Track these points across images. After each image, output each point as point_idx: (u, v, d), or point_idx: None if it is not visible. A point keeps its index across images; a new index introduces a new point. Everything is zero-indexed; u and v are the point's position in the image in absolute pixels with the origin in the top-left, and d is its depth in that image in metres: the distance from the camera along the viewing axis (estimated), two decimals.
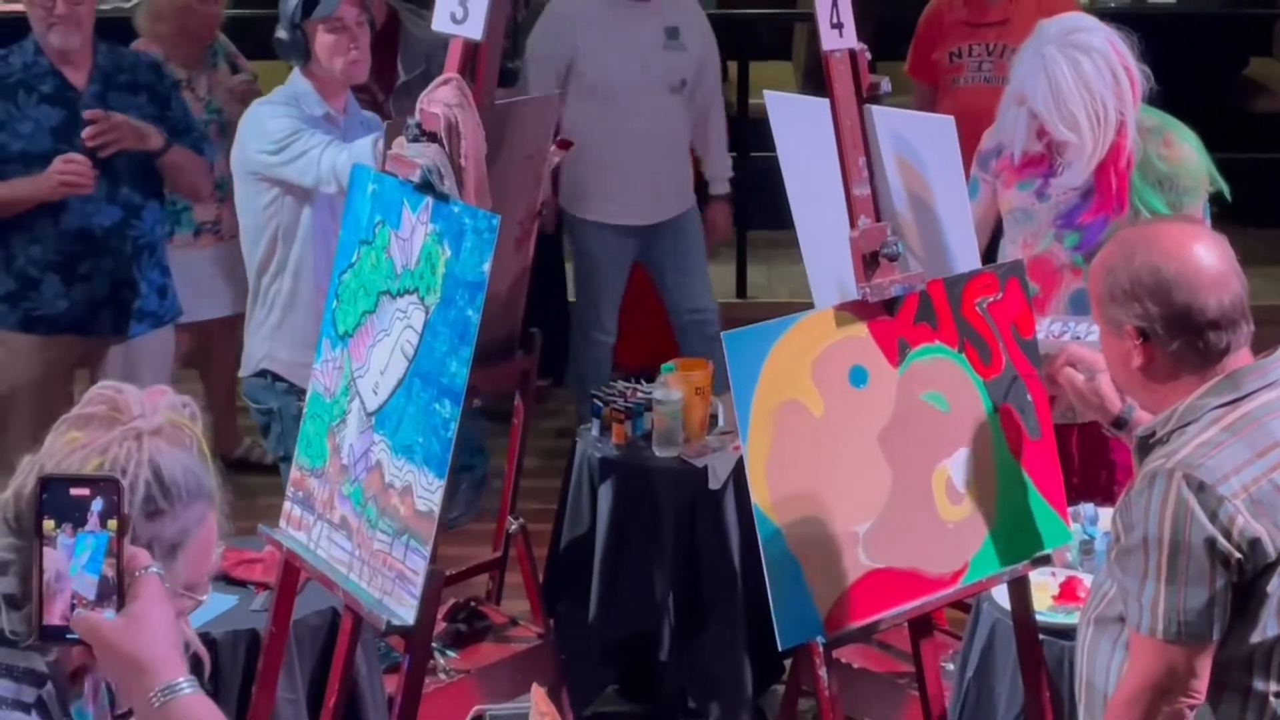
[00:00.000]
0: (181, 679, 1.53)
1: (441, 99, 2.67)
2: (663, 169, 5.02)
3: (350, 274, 2.86)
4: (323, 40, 3.69)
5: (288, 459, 3.37)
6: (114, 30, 4.54)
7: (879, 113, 2.73)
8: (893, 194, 2.82)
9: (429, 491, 2.62)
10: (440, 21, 2.73)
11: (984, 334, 2.69)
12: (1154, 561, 2.13)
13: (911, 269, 2.69)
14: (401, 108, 4.52)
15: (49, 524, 1.54)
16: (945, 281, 2.67)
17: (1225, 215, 3.45)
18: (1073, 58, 3.23)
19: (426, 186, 2.66)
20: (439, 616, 3.47)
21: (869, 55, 2.70)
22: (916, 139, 2.80)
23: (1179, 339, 2.20)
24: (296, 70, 3.77)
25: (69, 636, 1.55)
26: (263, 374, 3.80)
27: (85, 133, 3.89)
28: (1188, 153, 3.39)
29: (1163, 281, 2.19)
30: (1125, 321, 2.22)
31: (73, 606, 1.54)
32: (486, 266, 2.54)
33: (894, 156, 2.80)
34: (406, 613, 2.64)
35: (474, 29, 2.69)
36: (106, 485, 1.55)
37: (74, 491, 1.55)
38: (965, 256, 2.83)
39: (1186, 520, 2.11)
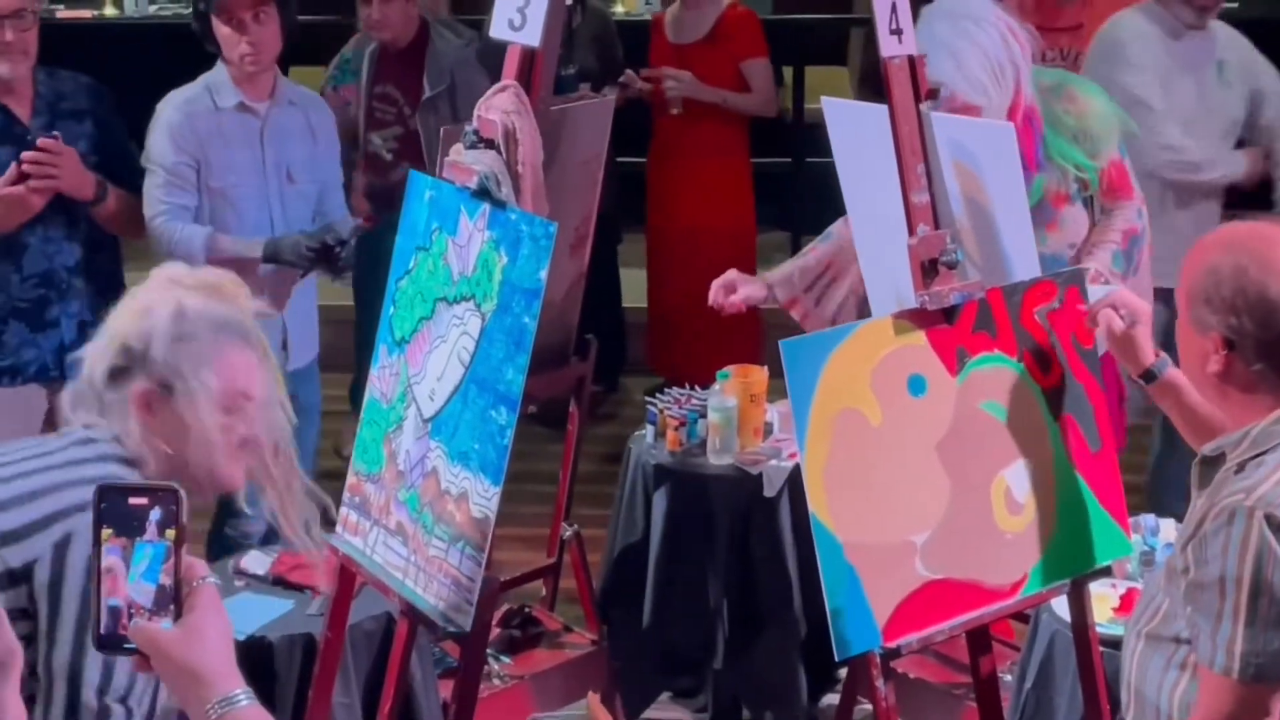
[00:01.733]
0: (238, 690, 1.53)
1: (499, 105, 2.67)
2: None
3: (407, 280, 2.87)
4: (220, 31, 3.88)
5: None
6: (178, 38, 4.57)
7: (938, 119, 2.72)
8: (951, 201, 2.80)
9: (484, 498, 2.62)
10: (498, 28, 2.74)
11: (1043, 343, 2.67)
12: (1231, 602, 2.07)
13: (970, 277, 2.67)
14: (427, 122, 4.58)
15: (107, 532, 1.54)
16: (1004, 289, 2.65)
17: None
18: (963, 29, 3.32)
19: (484, 193, 2.66)
20: (493, 622, 3.48)
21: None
22: (976, 145, 2.78)
23: (1265, 361, 2.14)
24: None
25: (127, 646, 1.55)
26: None
27: (25, 156, 3.61)
28: (1092, 103, 3.50)
29: (1270, 304, 2.12)
30: (1214, 327, 2.16)
31: (130, 616, 1.54)
32: (543, 273, 2.54)
33: (952, 163, 2.78)
34: (462, 619, 2.64)
35: (532, 35, 2.69)
36: (165, 495, 1.55)
37: (132, 501, 1.55)
38: (1025, 263, 2.81)
39: (1269, 562, 2.05)
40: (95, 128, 3.80)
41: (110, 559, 1.54)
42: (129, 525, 1.54)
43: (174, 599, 1.54)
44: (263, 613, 3.32)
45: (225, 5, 3.82)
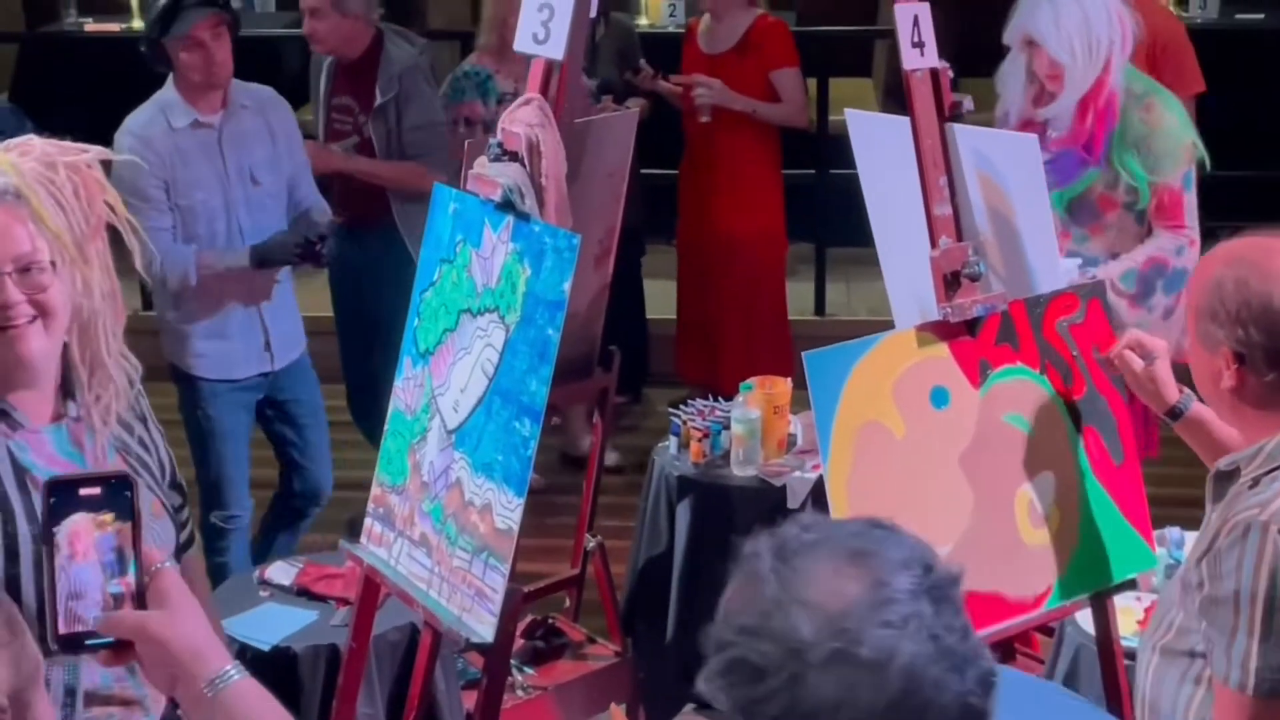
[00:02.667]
0: (229, 666, 1.50)
1: (523, 118, 2.69)
2: None
3: (431, 292, 2.89)
4: (181, 58, 3.94)
5: None
6: (252, 55, 4.61)
7: (961, 130, 2.72)
8: (974, 212, 2.81)
9: (508, 509, 2.63)
10: (522, 42, 2.75)
11: (1065, 355, 2.67)
12: (1246, 617, 2.06)
13: (993, 289, 2.68)
14: (378, 130, 4.62)
15: (60, 525, 1.48)
16: (1026, 302, 2.65)
17: None
18: None
19: (507, 205, 2.68)
20: (517, 633, 3.49)
21: (951, 74, 2.69)
22: (999, 156, 2.79)
23: (1277, 371, 2.12)
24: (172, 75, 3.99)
25: (90, 643, 1.49)
26: None
27: None
28: (1168, 119, 3.54)
29: (1275, 313, 2.10)
30: (1223, 342, 2.14)
31: (89, 609, 1.48)
32: (567, 285, 2.55)
33: (976, 174, 2.79)
34: (485, 630, 2.65)
35: (555, 49, 2.71)
36: (117, 481, 1.50)
37: (83, 492, 1.49)
38: (1048, 276, 2.81)
39: None
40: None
41: (64, 553, 1.48)
42: (82, 516, 1.48)
43: (137, 587, 1.49)
44: (287, 623, 3.34)
45: (191, 33, 3.88)
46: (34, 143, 2.10)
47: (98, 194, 2.12)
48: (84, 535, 1.49)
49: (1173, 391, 2.54)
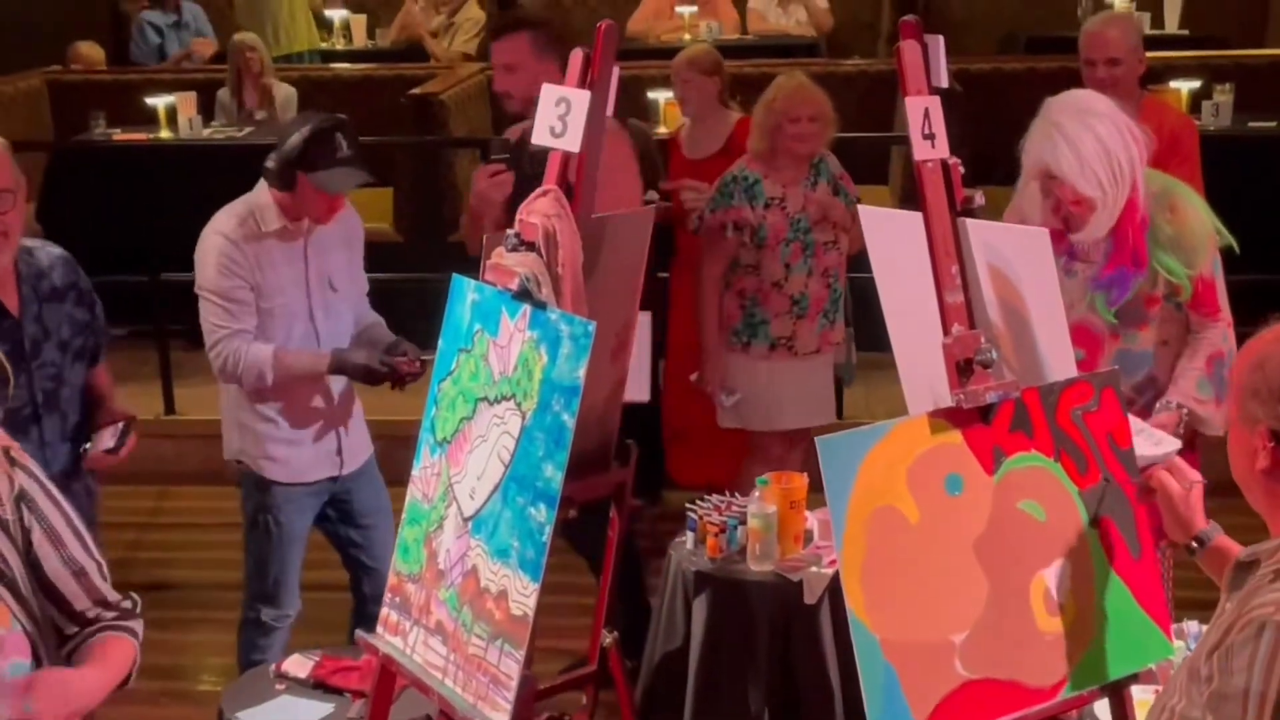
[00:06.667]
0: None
1: (540, 209, 2.73)
2: None
3: (449, 381, 2.92)
4: (308, 195, 3.95)
5: None
6: (231, 160, 4.66)
7: (972, 225, 2.75)
8: (986, 304, 2.83)
9: (524, 595, 2.63)
10: (540, 135, 2.81)
11: (1079, 443, 2.68)
12: (1254, 717, 2.03)
13: (1005, 378, 2.69)
14: None
15: None
16: (1040, 390, 2.67)
17: None
18: (1087, 123, 3.42)
19: (525, 294, 2.71)
20: None
21: (962, 169, 2.73)
22: (1010, 250, 2.81)
23: None
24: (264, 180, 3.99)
25: None
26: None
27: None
28: (1192, 215, 3.57)
29: None
30: (1262, 420, 2.13)
31: None
32: (582, 372, 2.58)
33: (987, 266, 2.81)
34: (500, 717, 2.64)
35: (572, 142, 2.76)
36: None
37: None
38: (1060, 367, 2.82)
39: None
40: (75, 303, 3.52)
41: None
42: None
43: None
44: (303, 715, 3.33)
45: (334, 192, 3.94)
46: None
47: None
48: None
49: (1201, 519, 2.54)
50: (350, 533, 4.28)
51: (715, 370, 5.07)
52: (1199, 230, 3.57)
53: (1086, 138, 3.41)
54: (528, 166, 4.59)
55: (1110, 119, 3.45)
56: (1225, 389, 3.55)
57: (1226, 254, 3.73)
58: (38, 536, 2.26)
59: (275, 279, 4.01)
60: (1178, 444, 3.26)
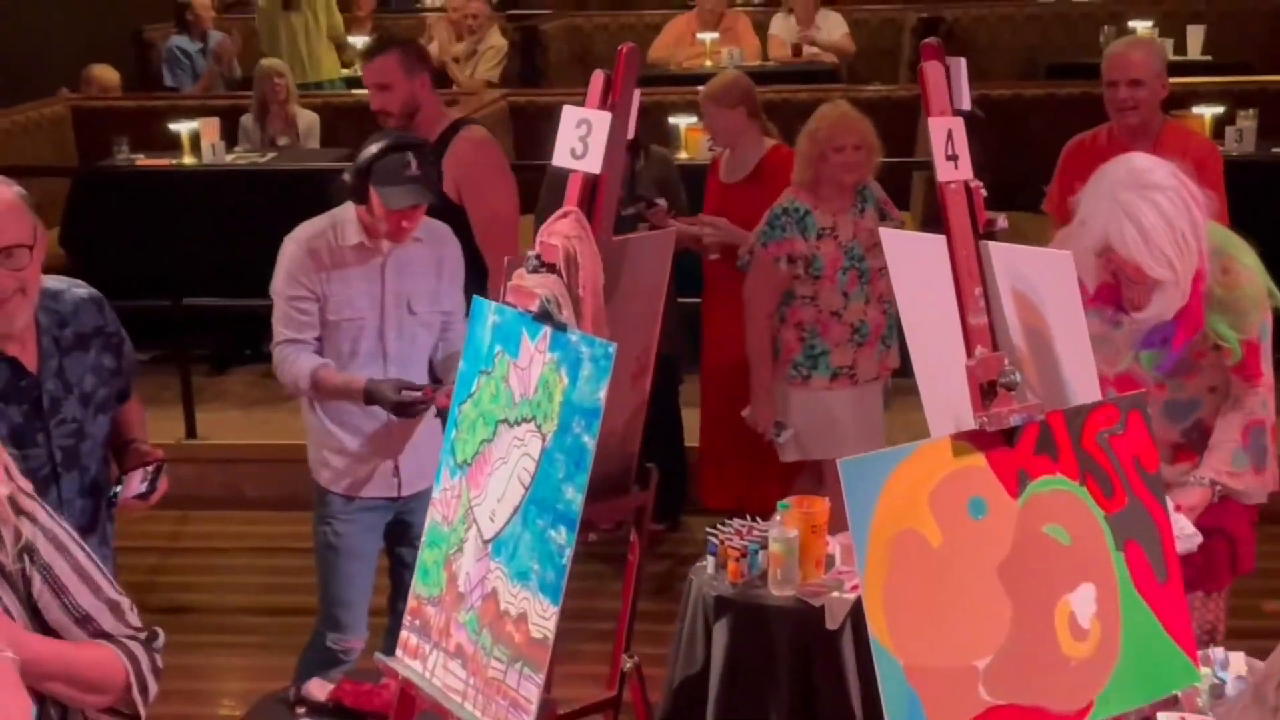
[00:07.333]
0: None
1: (561, 231, 2.73)
2: None
3: (470, 403, 2.91)
4: (376, 208, 3.97)
5: None
6: (255, 185, 4.66)
7: (995, 247, 2.73)
8: (1010, 327, 2.81)
9: (543, 618, 2.62)
10: (560, 157, 2.81)
11: (1105, 467, 2.65)
12: None
13: (1029, 401, 2.67)
14: None
15: None
16: (1066, 413, 2.64)
17: None
18: (1150, 199, 3.27)
19: (545, 316, 2.71)
20: None
21: (984, 191, 2.71)
22: (1034, 273, 2.79)
23: None
24: None
25: None
26: None
27: None
28: (1245, 277, 3.44)
29: None
30: None
31: None
32: (602, 394, 2.57)
33: (1010, 290, 2.79)
34: None
35: (593, 164, 2.76)
36: None
37: None
38: (1085, 390, 2.80)
39: None
40: (100, 350, 3.30)
41: None
42: None
43: None
44: None
45: (394, 208, 3.93)
46: None
47: None
48: None
49: None
50: (403, 552, 4.25)
51: (767, 409, 5.05)
52: (1252, 294, 3.44)
53: (1151, 216, 3.25)
54: None
55: (1173, 190, 3.29)
56: (1264, 457, 3.49)
57: None
58: (38, 587, 2.21)
59: (346, 293, 4.03)
60: (1199, 540, 3.24)
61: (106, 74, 9.15)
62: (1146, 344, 3.47)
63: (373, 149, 3.96)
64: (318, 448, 4.17)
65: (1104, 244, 3.34)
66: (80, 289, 3.28)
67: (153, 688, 2.28)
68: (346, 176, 4.00)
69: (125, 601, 2.31)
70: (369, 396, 3.99)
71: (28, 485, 2.25)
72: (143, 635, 2.31)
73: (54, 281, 3.22)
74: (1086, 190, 3.41)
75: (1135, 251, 3.26)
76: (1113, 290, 3.42)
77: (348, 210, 4.04)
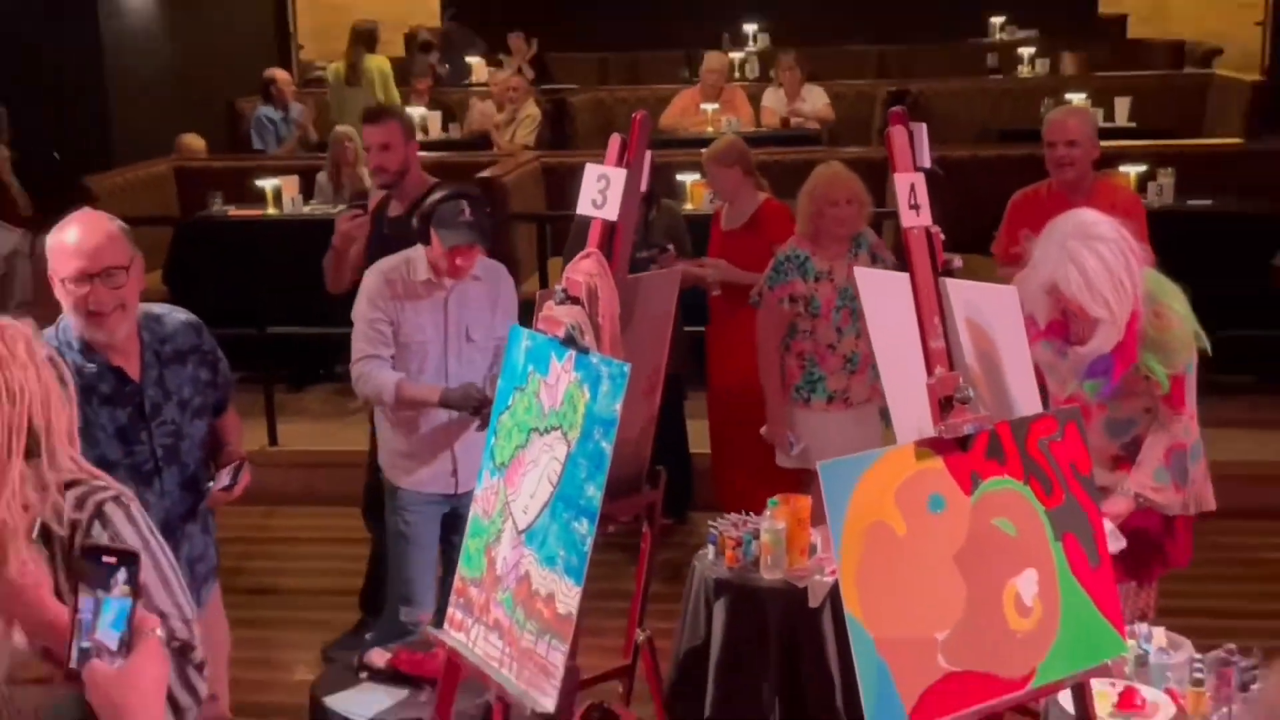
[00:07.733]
0: None
1: (584, 269, 2.73)
2: None
3: (507, 414, 2.91)
4: (435, 247, 3.97)
5: None
6: (326, 232, 4.65)
7: (952, 284, 2.73)
8: (964, 350, 2.80)
9: (568, 596, 2.61)
10: (583, 207, 2.81)
11: (1046, 469, 2.64)
12: None
13: (981, 413, 2.66)
14: None
15: (84, 586, 1.55)
16: (1012, 423, 2.63)
17: None
18: (1094, 249, 3.24)
19: (570, 341, 2.71)
20: (576, 716, 3.43)
21: (942, 236, 2.71)
22: (985, 305, 2.79)
23: None
24: None
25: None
26: None
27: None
28: (1175, 321, 3.38)
29: None
30: None
31: (89, 657, 1.54)
32: (618, 406, 2.57)
33: (965, 319, 2.79)
34: (548, 701, 2.62)
35: (611, 213, 2.76)
36: (129, 557, 1.56)
37: (105, 559, 1.56)
38: (1028, 403, 2.79)
39: None
40: (197, 365, 3.26)
41: (85, 608, 1.55)
42: (102, 581, 1.55)
43: (128, 647, 1.54)
44: (382, 700, 3.31)
45: (447, 247, 3.92)
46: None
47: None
48: (101, 595, 1.55)
49: None
50: (455, 540, 4.17)
51: (780, 425, 5.03)
52: (1181, 336, 3.39)
53: (1093, 263, 3.23)
54: (385, 228, 4.71)
55: (1114, 242, 3.27)
56: (1184, 476, 3.45)
57: None
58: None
59: (416, 321, 4.04)
60: (1123, 543, 3.22)
61: (194, 141, 9.22)
62: (1090, 374, 3.42)
63: (434, 197, 3.97)
64: (390, 453, 4.17)
65: (1051, 284, 3.31)
66: (180, 314, 3.29)
67: (183, 700, 1.83)
68: (415, 220, 4.01)
69: (186, 608, 1.93)
70: (444, 401, 4.01)
71: (129, 491, 2.12)
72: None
73: (159, 308, 3.25)
74: (1041, 238, 3.38)
75: (1078, 292, 3.24)
76: (1061, 325, 3.39)
77: (418, 250, 4.04)
